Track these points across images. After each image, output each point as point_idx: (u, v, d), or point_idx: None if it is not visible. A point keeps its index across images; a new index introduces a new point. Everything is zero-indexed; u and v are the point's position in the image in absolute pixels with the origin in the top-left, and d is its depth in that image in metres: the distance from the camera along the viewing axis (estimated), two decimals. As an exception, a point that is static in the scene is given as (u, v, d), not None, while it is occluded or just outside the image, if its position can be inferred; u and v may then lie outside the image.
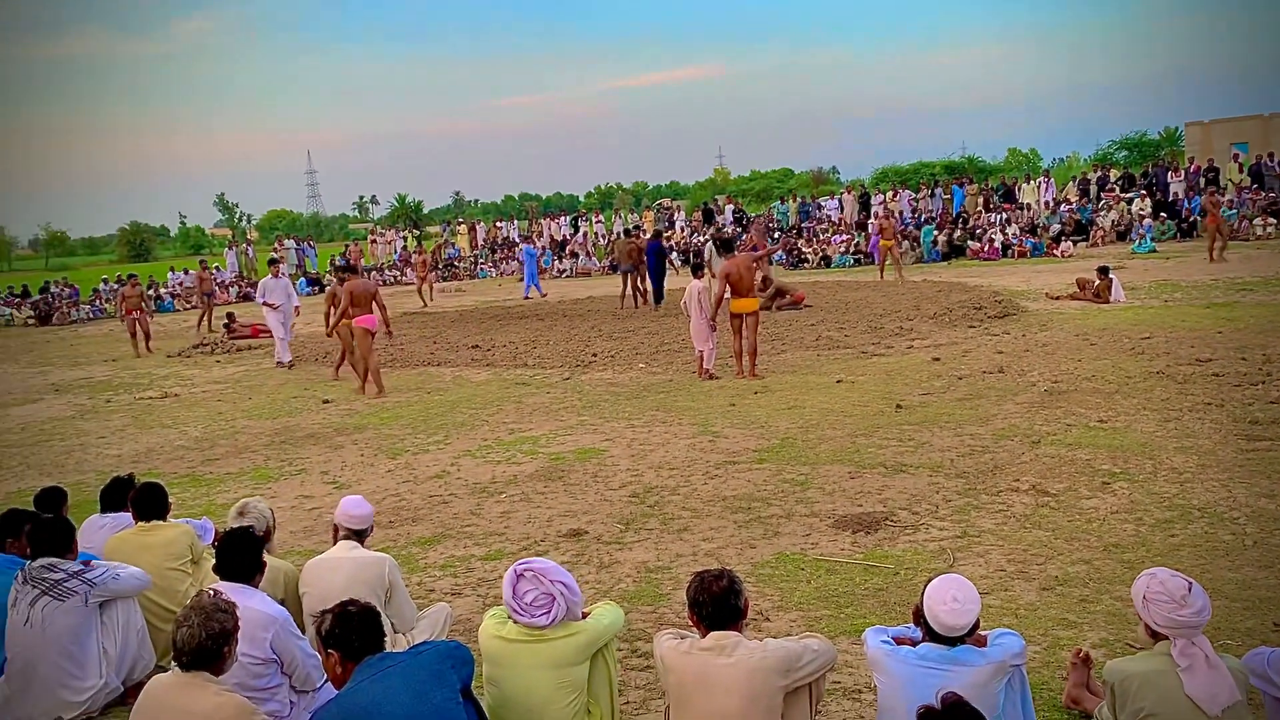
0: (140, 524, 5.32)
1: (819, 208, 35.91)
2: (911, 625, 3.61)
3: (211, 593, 3.53)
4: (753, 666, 3.37)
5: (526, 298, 25.75)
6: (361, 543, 4.70)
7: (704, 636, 3.49)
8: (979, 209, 31.19)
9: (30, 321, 29.64)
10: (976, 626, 3.43)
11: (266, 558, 4.52)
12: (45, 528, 4.82)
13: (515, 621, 3.66)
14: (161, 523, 5.35)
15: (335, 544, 4.70)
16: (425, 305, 25.71)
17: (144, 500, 5.35)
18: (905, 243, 27.85)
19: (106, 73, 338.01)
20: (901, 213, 32.37)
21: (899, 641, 3.55)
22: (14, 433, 12.13)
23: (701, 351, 12.19)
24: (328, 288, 15.49)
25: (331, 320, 13.53)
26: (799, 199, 39.08)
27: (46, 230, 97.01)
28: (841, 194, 37.39)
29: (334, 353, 15.06)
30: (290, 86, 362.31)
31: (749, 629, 4.07)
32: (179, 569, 5.23)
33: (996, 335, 13.81)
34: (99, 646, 4.68)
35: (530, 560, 3.68)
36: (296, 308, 17.17)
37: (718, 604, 3.47)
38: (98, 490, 6.07)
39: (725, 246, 12.80)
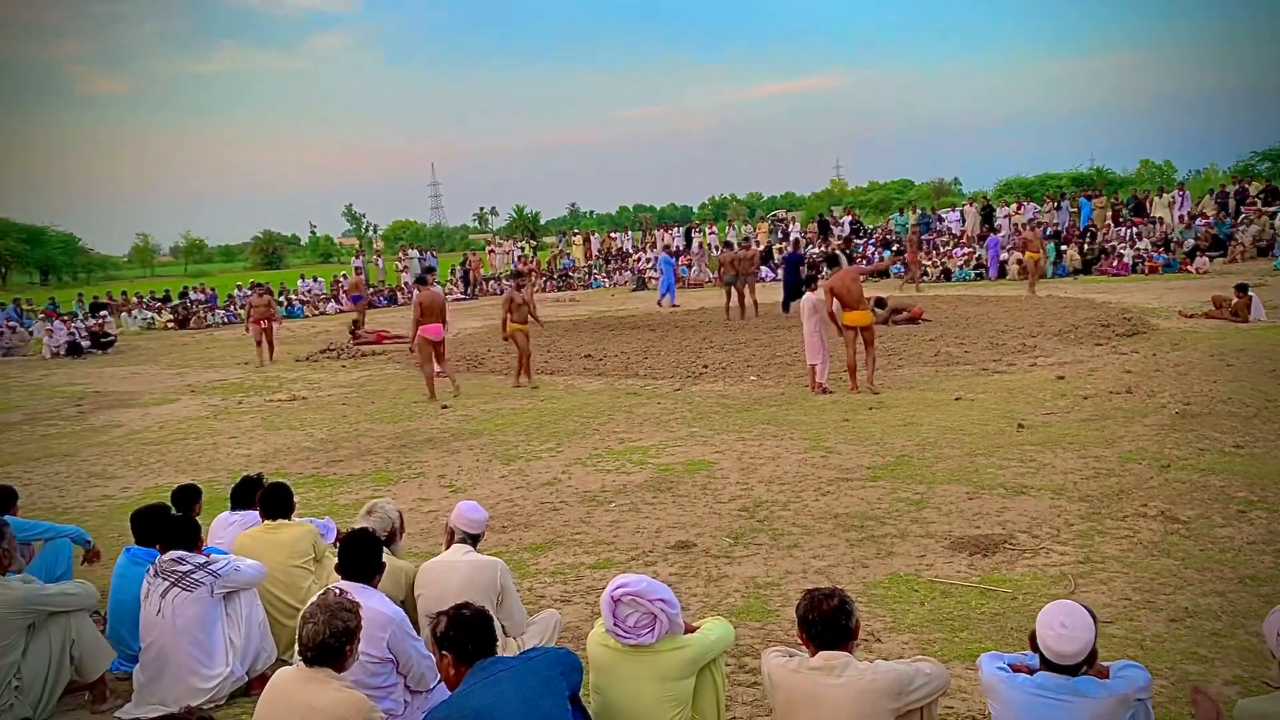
0: (267, 522, 5.55)
1: (940, 220, 35.15)
2: (1029, 652, 3.50)
3: (338, 591, 3.66)
4: (863, 688, 3.32)
5: (660, 303, 25.98)
6: (475, 547, 4.81)
7: (813, 655, 3.45)
8: (1107, 223, 30.04)
9: (170, 325, 31.19)
10: (1094, 656, 3.30)
11: (389, 559, 4.68)
12: (175, 525, 5.08)
13: (621, 641, 3.69)
14: (286, 521, 5.57)
15: (449, 547, 4.82)
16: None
17: (271, 499, 5.59)
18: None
19: (244, 88, 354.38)
20: (1025, 225, 31.43)
21: (1015, 669, 3.45)
22: (153, 430, 12.80)
23: (814, 365, 12.06)
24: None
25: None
26: (919, 210, 38.32)
27: (186, 238, 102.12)
28: (963, 206, 36.53)
29: (478, 357, 15.41)
30: (416, 100, 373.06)
31: (859, 650, 4.01)
32: (302, 566, 5.43)
33: (1125, 354, 13.28)
34: (225, 637, 4.90)
35: (625, 581, 3.67)
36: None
37: (828, 623, 3.43)
38: (228, 488, 6.36)
39: (832, 261, 12.70)
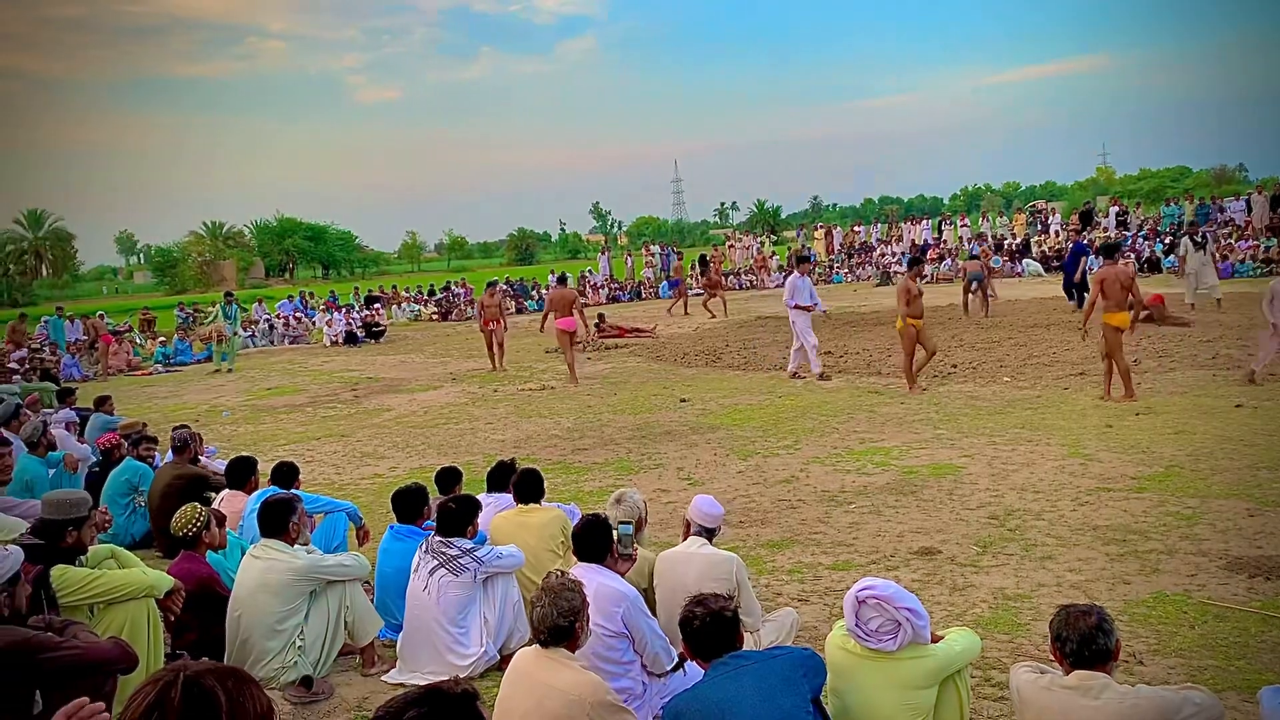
0: (520, 505, 5.86)
1: (1220, 210, 32.10)
2: None
3: (558, 573, 3.82)
4: (1123, 712, 3.10)
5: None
6: (710, 540, 4.87)
7: (1067, 674, 3.27)
8: None
9: (433, 317, 33.43)
10: None
11: (637, 547, 4.84)
12: (457, 505, 5.43)
13: (861, 644, 3.63)
14: (538, 506, 5.86)
15: (685, 539, 4.90)
16: (714, 316, 25.38)
17: (525, 484, 5.90)
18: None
19: (502, 92, 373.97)
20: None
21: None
22: (418, 415, 13.77)
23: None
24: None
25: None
26: (1196, 200, 35.16)
27: (449, 235, 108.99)
28: (1250, 194, 33.17)
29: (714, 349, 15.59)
30: (660, 98, 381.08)
31: (1118, 672, 3.75)
32: (552, 550, 5.70)
33: None
34: (481, 617, 5.22)
35: (872, 584, 3.61)
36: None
37: (1084, 641, 3.24)
38: (484, 470, 6.75)
39: (1107, 252, 11.71)
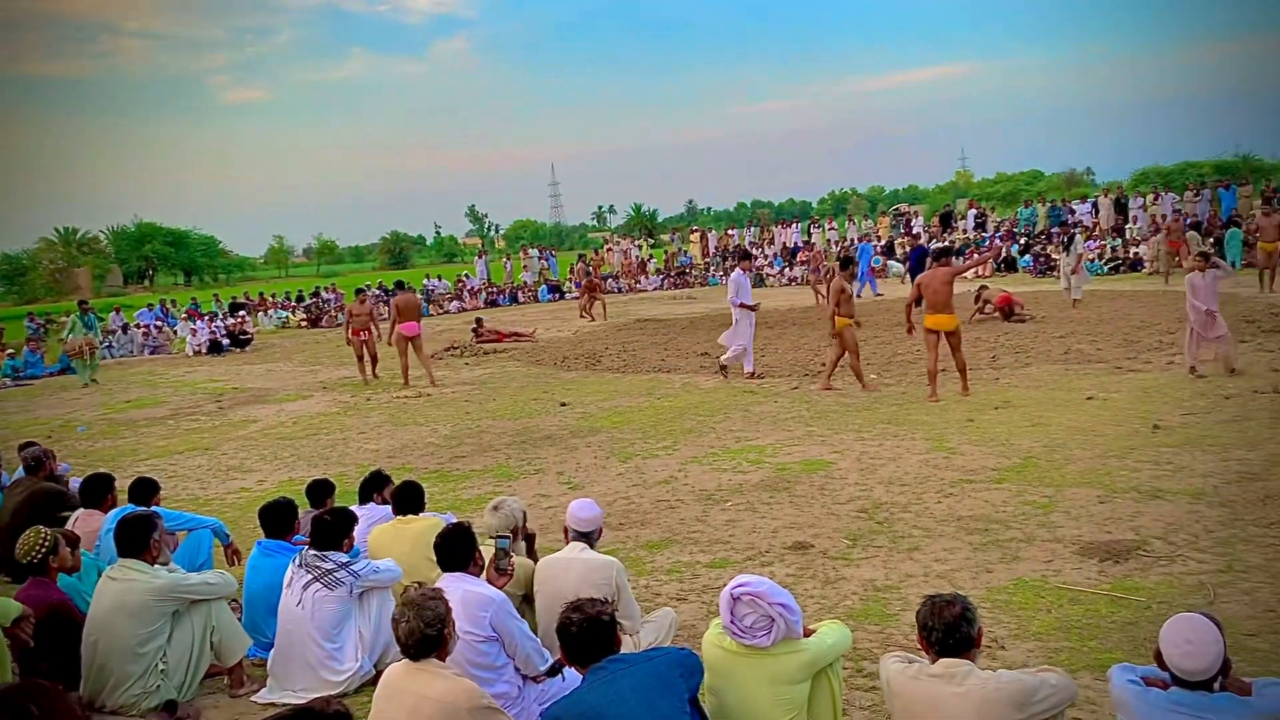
0: (399, 517, 5.75)
1: (1071, 212, 33.83)
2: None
3: (416, 585, 3.78)
4: (985, 697, 3.23)
5: (879, 295, 25.77)
6: (591, 545, 4.87)
7: (934, 662, 3.38)
8: (1253, 212, 28.40)
9: (303, 324, 32.49)
10: (1227, 669, 3.14)
11: (513, 559, 4.80)
12: (333, 518, 5.28)
13: (736, 641, 3.68)
14: (415, 516, 5.76)
15: (567, 545, 4.89)
16: (593, 320, 25.21)
17: (403, 495, 5.80)
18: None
19: (373, 93, 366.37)
20: (1164, 216, 30.00)
21: (1149, 683, 3.30)
22: (287, 426, 13.36)
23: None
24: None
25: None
26: (1048, 202, 36.99)
27: (319, 239, 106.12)
28: (1097, 197, 35.08)
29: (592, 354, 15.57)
30: (537, 102, 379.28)
31: (982, 657, 3.91)
32: (430, 559, 5.58)
33: (1272, 351, 12.56)
34: (356, 631, 5.10)
35: (746, 581, 3.67)
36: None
37: (949, 630, 3.35)
38: (357, 482, 6.60)
39: (942, 254, 12.04)
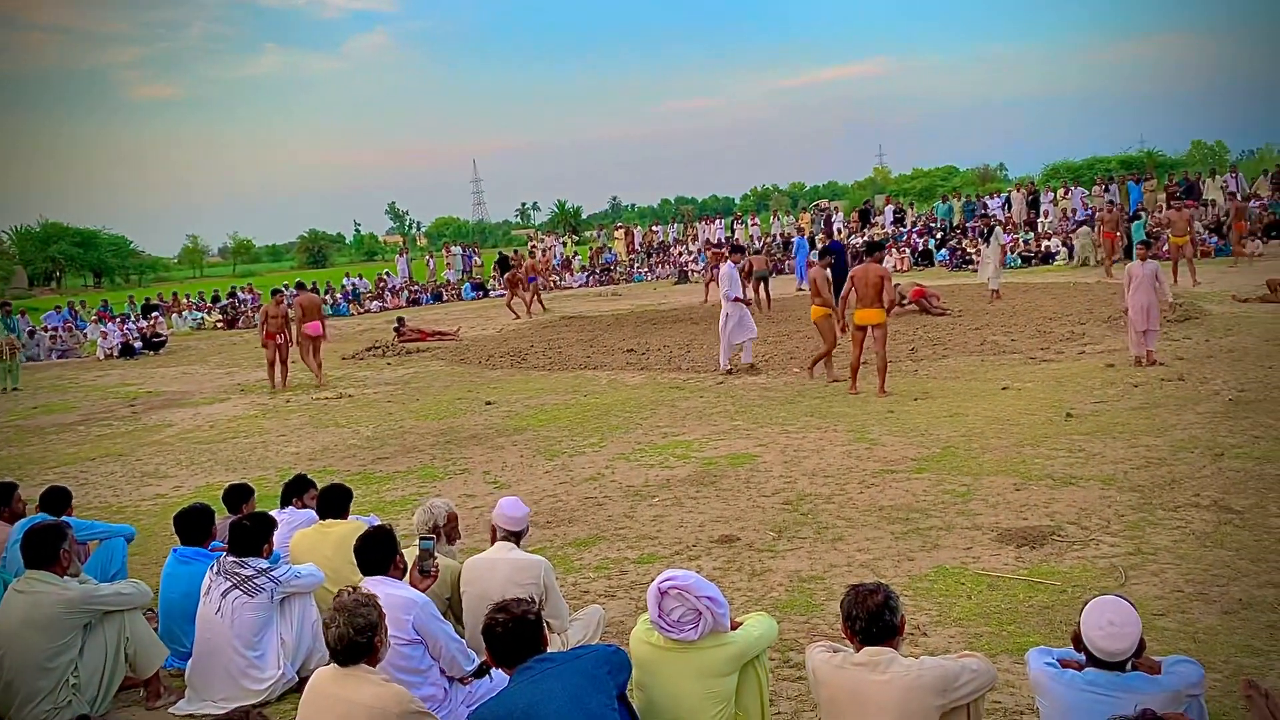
0: (322, 521, 5.64)
1: (984, 207, 34.68)
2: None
3: (349, 590, 3.71)
4: (908, 685, 3.29)
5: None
6: (518, 543, 4.83)
7: (858, 651, 3.43)
8: (1159, 206, 29.45)
9: (219, 325, 31.68)
10: (1142, 649, 3.25)
11: (439, 557, 4.74)
12: (252, 523, 5.15)
13: (664, 635, 3.69)
14: (339, 520, 5.65)
15: (493, 544, 4.85)
16: (518, 317, 25.06)
17: (327, 498, 5.68)
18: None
19: (289, 90, 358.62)
20: (1075, 211, 30.94)
21: (1064, 664, 3.40)
22: (204, 430, 13.02)
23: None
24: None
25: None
26: (963, 197, 37.85)
27: (235, 239, 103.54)
28: (1009, 191, 36.02)
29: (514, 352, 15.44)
30: (458, 98, 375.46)
31: (905, 644, 3.98)
32: (354, 563, 5.49)
33: (1176, 341, 13.03)
34: (278, 638, 4.99)
35: (673, 575, 3.68)
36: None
37: (872, 619, 3.40)
38: (278, 486, 6.45)
39: (872, 248, 12.22)
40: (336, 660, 3.57)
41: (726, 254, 15.76)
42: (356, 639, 3.52)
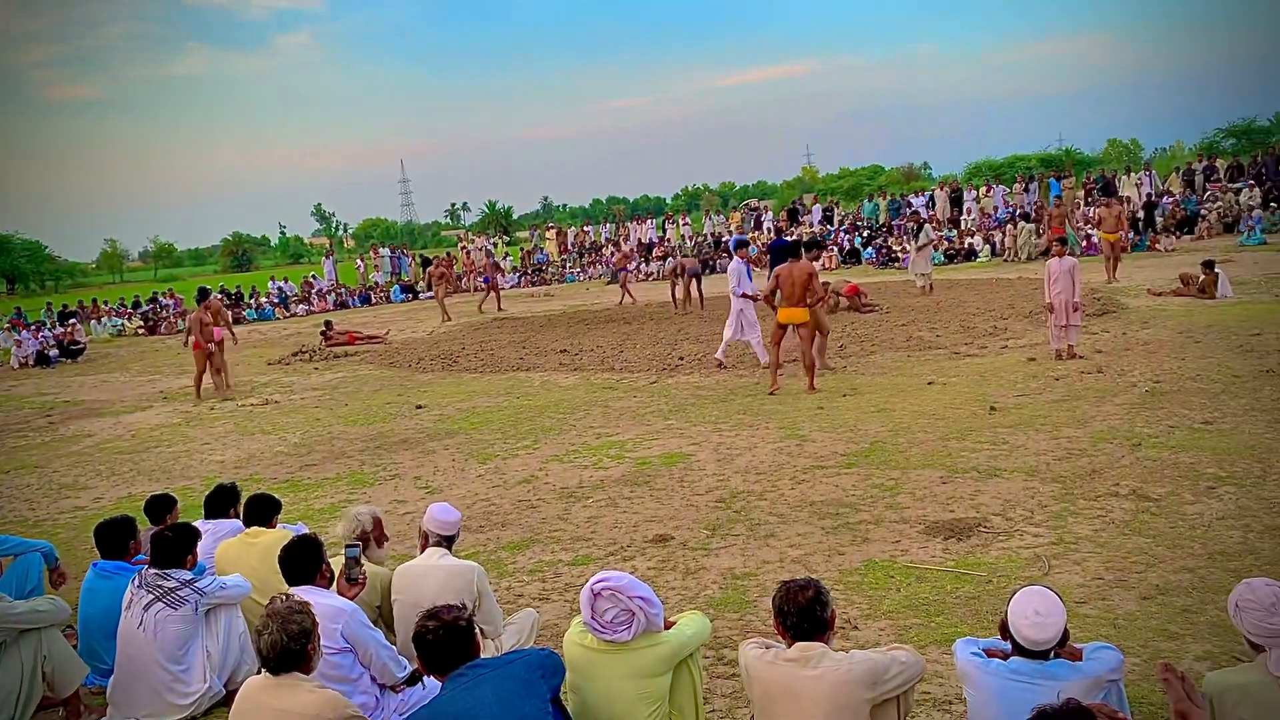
0: (248, 530, 5.52)
1: (909, 205, 35.32)
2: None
3: (283, 597, 3.65)
4: (838, 679, 3.33)
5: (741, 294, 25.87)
6: (450, 549, 4.79)
7: (789, 647, 3.46)
8: (1076, 203, 30.28)
9: (140, 331, 30.86)
10: (1066, 638, 3.34)
11: (367, 565, 4.67)
12: (174, 534, 5.01)
13: (597, 637, 3.69)
14: (265, 529, 5.54)
15: (423, 551, 4.80)
16: (447, 320, 24.49)
17: (253, 507, 5.57)
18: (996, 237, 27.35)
19: (212, 90, 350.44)
20: (996, 209, 31.64)
21: (990, 654, 3.48)
22: (125, 439, 12.67)
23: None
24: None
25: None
26: (889, 196, 38.48)
27: (155, 242, 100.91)
28: (933, 190, 36.72)
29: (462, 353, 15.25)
30: (386, 97, 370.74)
31: (836, 638, 4.03)
32: (280, 572, 5.40)
33: (1095, 334, 13.40)
34: (204, 651, 4.87)
35: (606, 576, 3.69)
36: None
37: (803, 614, 3.44)
38: (202, 496, 6.30)
39: (798, 249, 12.17)
40: (268, 669, 3.50)
41: (731, 250, 15.77)
42: (290, 646, 3.46)
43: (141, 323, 31.49)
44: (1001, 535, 6.24)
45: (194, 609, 4.84)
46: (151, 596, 4.80)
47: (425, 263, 34.80)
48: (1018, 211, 30.19)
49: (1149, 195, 29.85)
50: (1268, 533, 5.85)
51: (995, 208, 31.90)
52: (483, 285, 26.27)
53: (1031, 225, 26.91)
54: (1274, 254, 21.07)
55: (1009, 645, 3.42)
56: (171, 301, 33.89)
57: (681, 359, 14.72)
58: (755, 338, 13.54)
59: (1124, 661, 3.47)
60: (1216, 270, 15.91)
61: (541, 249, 41.61)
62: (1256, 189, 27.51)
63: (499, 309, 26.24)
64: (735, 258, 14.09)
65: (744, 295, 13.45)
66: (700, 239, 36.87)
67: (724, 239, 35.63)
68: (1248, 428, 8.06)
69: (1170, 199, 28.92)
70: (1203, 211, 27.52)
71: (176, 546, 4.96)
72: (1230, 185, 28.94)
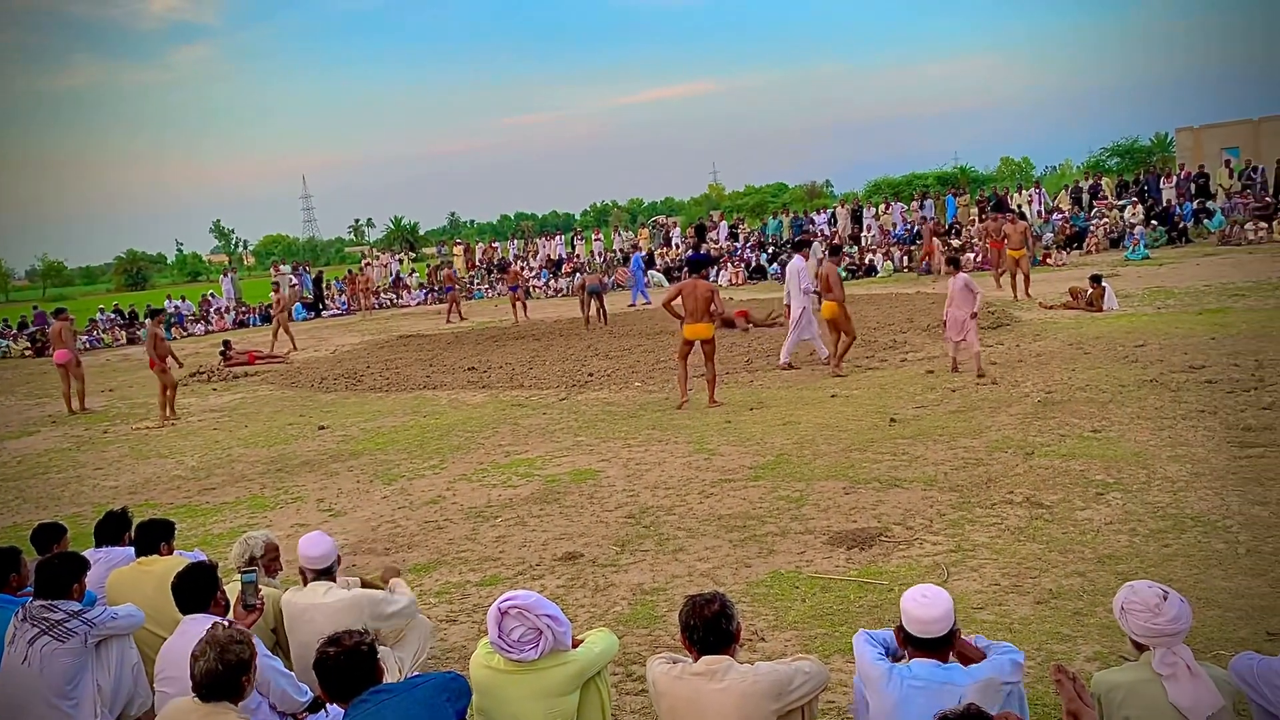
0: (141, 558, 5.32)
1: (812, 222, 35.98)
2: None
3: (225, 625, 3.56)
4: (744, 691, 3.37)
5: (633, 306, 26.41)
6: (332, 579, 4.68)
7: (696, 661, 3.49)
8: (972, 219, 31.27)
9: (27, 353, 29.59)
10: (955, 634, 3.43)
11: (264, 588, 4.53)
12: (60, 563, 4.81)
13: (504, 657, 3.66)
14: (159, 557, 5.35)
15: (305, 585, 4.67)
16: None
17: (144, 534, 5.36)
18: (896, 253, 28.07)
19: (104, 103, 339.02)
20: (895, 225, 32.46)
21: (890, 656, 3.55)
22: (10, 466, 12.12)
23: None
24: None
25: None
26: (792, 213, 39.17)
27: (44, 261, 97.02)
28: (835, 207, 37.48)
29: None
30: (285, 112, 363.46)
31: (743, 650, 4.07)
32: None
33: (990, 346, 13.83)
34: (94, 685, 4.67)
35: (514, 595, 3.67)
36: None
37: (709, 628, 3.47)
38: (93, 523, 6.06)
39: (696, 265, 12.32)
40: (199, 695, 3.41)
41: (791, 251, 16.39)
42: (224, 675, 3.38)
43: (28, 344, 30.18)
44: (902, 544, 6.39)
45: (83, 641, 4.63)
46: (36, 630, 4.58)
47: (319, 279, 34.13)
48: (916, 227, 30.91)
49: (1038, 212, 31.00)
50: (1153, 536, 6.11)
51: (894, 224, 32.71)
52: (375, 306, 26.03)
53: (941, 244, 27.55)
54: (1156, 268, 22.07)
55: (906, 653, 3.49)
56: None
57: (591, 375, 14.72)
58: (814, 334, 14.02)
59: (1022, 664, 3.57)
60: (1103, 284, 16.58)
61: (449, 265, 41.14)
62: (1139, 206, 28.79)
63: (460, 318, 27.12)
64: (797, 256, 14.52)
65: (805, 291, 13.78)
66: (610, 254, 36.95)
67: (630, 255, 35.83)
68: (1133, 435, 8.42)
69: (1060, 215, 30.06)
70: (1090, 227, 28.67)
71: (63, 576, 4.75)
72: (1115, 202, 30.22)
